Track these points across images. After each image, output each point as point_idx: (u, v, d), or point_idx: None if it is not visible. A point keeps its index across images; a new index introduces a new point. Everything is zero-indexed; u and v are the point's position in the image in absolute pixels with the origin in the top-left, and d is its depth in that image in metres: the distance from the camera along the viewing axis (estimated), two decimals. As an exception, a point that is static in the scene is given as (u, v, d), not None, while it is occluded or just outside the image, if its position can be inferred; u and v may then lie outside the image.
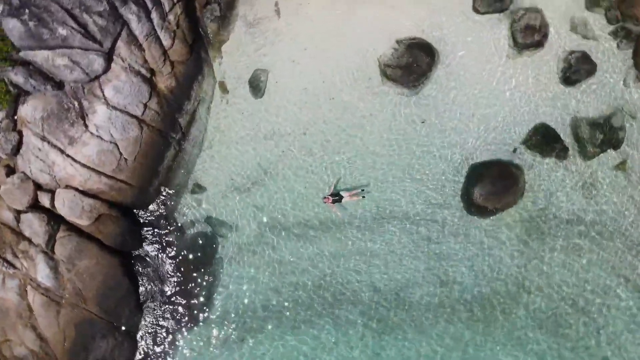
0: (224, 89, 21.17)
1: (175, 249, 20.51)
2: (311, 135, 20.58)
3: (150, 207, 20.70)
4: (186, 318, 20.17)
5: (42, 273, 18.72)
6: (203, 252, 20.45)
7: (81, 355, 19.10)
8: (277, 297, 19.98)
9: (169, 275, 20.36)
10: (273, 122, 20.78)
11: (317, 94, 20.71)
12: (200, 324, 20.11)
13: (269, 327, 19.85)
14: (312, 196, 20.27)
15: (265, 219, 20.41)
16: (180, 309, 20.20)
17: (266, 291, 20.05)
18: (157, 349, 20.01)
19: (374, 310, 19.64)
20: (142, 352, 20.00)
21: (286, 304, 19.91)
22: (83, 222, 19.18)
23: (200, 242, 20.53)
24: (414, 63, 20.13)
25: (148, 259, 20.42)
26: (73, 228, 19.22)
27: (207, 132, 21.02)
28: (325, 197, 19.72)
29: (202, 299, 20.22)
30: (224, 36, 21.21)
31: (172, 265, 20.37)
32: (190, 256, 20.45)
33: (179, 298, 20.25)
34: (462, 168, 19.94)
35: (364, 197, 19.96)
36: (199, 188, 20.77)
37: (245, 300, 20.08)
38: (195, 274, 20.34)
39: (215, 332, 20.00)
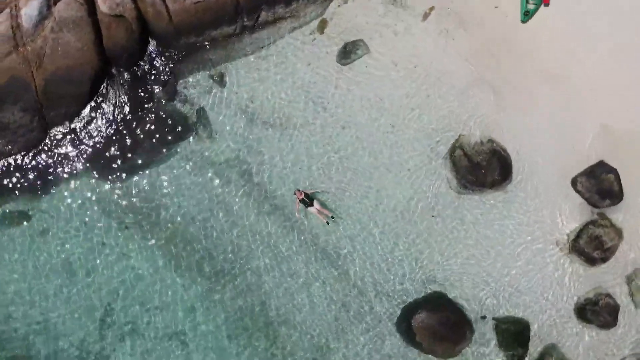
0: (321, 28, 19.02)
1: (151, 104, 18.46)
2: (347, 135, 18.50)
3: (167, 53, 18.62)
4: (99, 166, 18.17)
5: (29, 10, 16.76)
6: (171, 130, 18.39)
7: (-8, 105, 17.15)
8: (191, 225, 17.95)
9: (122, 119, 18.31)
10: (328, 95, 18.71)
11: (385, 109, 18.61)
12: (106, 182, 18.08)
13: (160, 239, 17.83)
14: (296, 180, 18.21)
15: (245, 159, 18.36)
16: (102, 154, 18.21)
17: (187, 212, 18.01)
18: (50, 171, 18.11)
19: (250, 314, 17.62)
20: (35, 161, 18.11)
21: (196, 238, 17.90)
22: (104, 6, 17.14)
23: (177, 120, 18.46)
24: (483, 169, 17.95)
25: (121, 89, 18.36)
26: (90, 3, 17.22)
27: (272, 46, 18.90)
28: (298, 191, 17.60)
29: (129, 163, 18.18)
30: (364, -11, 19.04)
31: (135, 115, 18.32)
32: (157, 122, 18.40)
33: (111, 144, 18.26)
34: (430, 287, 17.80)
35: (328, 222, 17.88)
36: (219, 79, 18.67)
37: (163, 201, 18.04)
38: (146, 139, 18.31)
39: (112, 198, 17.99)
